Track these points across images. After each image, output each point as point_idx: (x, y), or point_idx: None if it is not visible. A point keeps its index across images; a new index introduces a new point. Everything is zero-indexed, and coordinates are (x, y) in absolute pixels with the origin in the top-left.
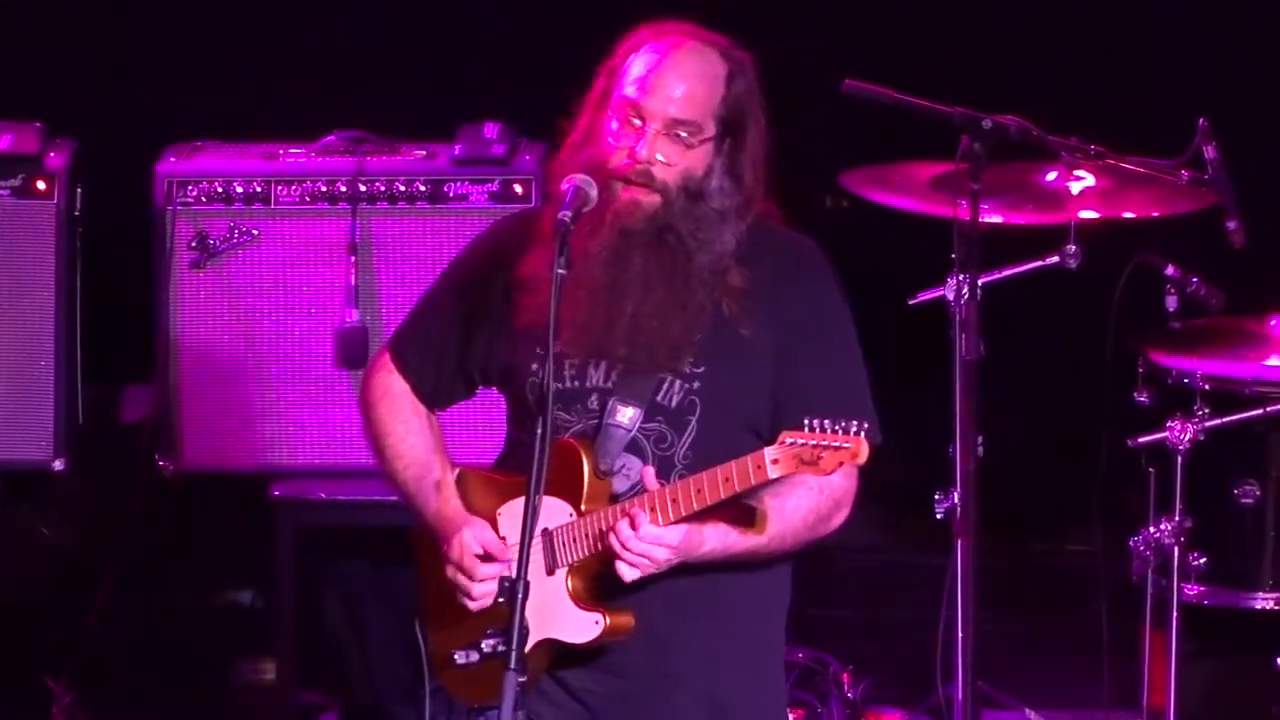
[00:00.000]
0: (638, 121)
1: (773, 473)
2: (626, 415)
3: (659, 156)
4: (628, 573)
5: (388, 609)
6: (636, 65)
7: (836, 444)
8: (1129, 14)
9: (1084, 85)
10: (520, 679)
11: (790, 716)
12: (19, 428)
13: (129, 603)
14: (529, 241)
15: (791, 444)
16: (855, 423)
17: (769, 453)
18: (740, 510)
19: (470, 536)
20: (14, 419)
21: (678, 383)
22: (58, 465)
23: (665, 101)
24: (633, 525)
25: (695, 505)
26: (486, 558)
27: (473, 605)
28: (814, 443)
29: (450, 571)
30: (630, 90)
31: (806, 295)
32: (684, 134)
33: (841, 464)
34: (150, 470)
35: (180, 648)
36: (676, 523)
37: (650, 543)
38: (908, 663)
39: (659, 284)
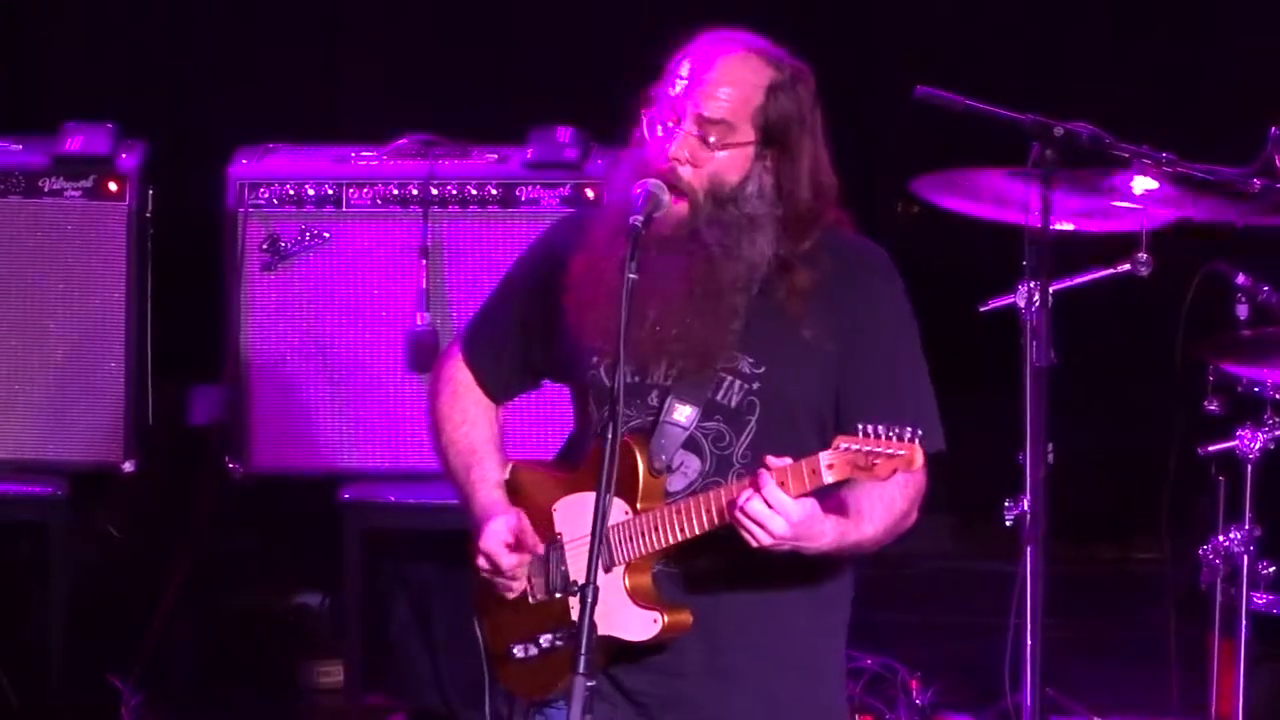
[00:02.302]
0: (673, 123)
1: (828, 478)
2: (684, 414)
3: (685, 155)
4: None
5: (455, 612)
6: (682, 68)
7: (891, 450)
8: (1189, 20)
9: (1147, 90)
10: (589, 683)
11: None
12: (89, 429)
13: (196, 604)
14: (580, 244)
15: (846, 449)
16: (910, 429)
17: (824, 458)
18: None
19: (502, 525)
20: (84, 420)
21: (738, 383)
22: (127, 466)
23: (697, 101)
24: (757, 489)
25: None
26: (517, 547)
27: (508, 595)
28: (869, 449)
29: (480, 561)
30: (671, 90)
31: (870, 299)
32: (713, 137)
33: (896, 470)
34: (219, 472)
35: (247, 649)
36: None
37: (774, 509)
38: (976, 669)
39: (681, 291)
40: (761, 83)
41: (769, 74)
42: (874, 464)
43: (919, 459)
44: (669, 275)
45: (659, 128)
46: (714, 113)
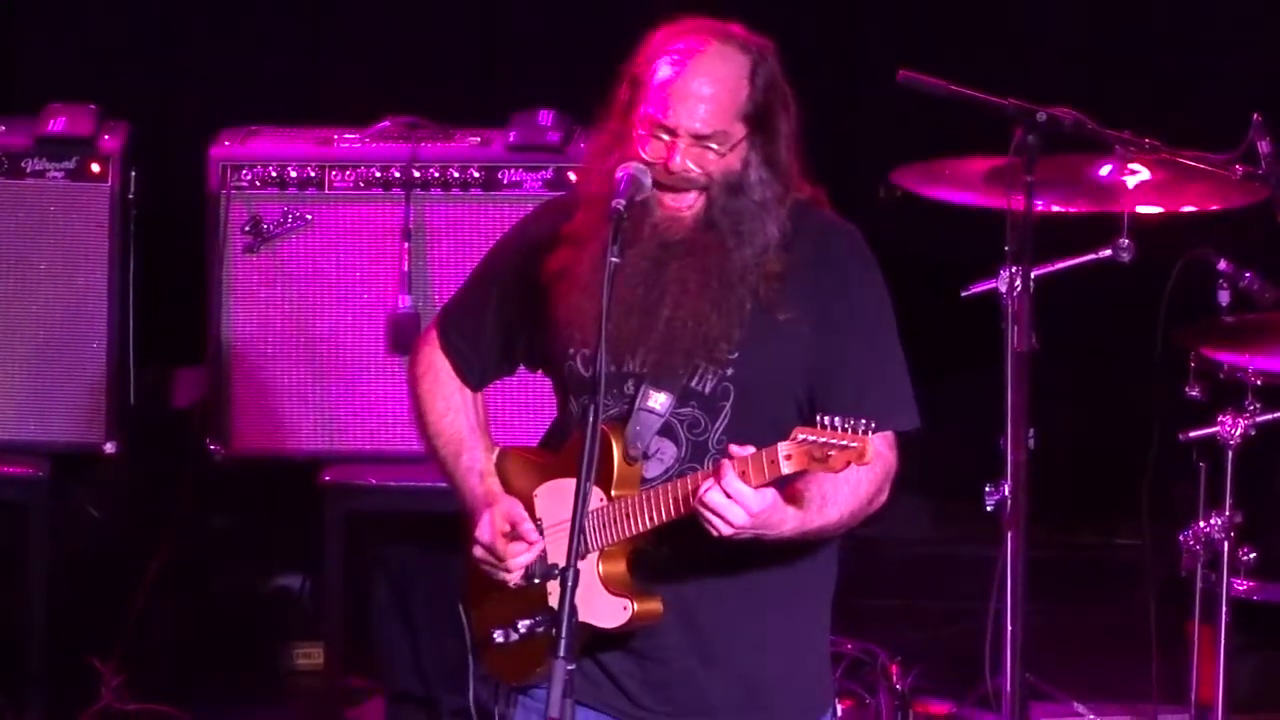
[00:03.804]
0: (666, 137)
1: (785, 468)
2: (659, 401)
3: (691, 165)
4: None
5: (436, 595)
6: (658, 78)
7: (844, 443)
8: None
9: (1130, 78)
10: (569, 667)
11: (837, 704)
12: (71, 410)
13: (178, 586)
14: (561, 234)
15: (803, 440)
16: (864, 422)
17: (782, 449)
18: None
19: (498, 515)
20: (66, 401)
21: (711, 368)
22: (109, 448)
23: (690, 118)
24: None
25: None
26: (514, 536)
27: (508, 579)
28: (824, 440)
29: (478, 551)
30: (654, 107)
31: (845, 280)
32: (713, 144)
33: (849, 463)
34: (201, 454)
35: (228, 631)
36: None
37: (733, 499)
38: (956, 654)
39: (695, 289)
40: (741, 74)
41: (744, 62)
42: (828, 456)
43: (870, 453)
44: (684, 275)
45: (650, 141)
46: (706, 127)
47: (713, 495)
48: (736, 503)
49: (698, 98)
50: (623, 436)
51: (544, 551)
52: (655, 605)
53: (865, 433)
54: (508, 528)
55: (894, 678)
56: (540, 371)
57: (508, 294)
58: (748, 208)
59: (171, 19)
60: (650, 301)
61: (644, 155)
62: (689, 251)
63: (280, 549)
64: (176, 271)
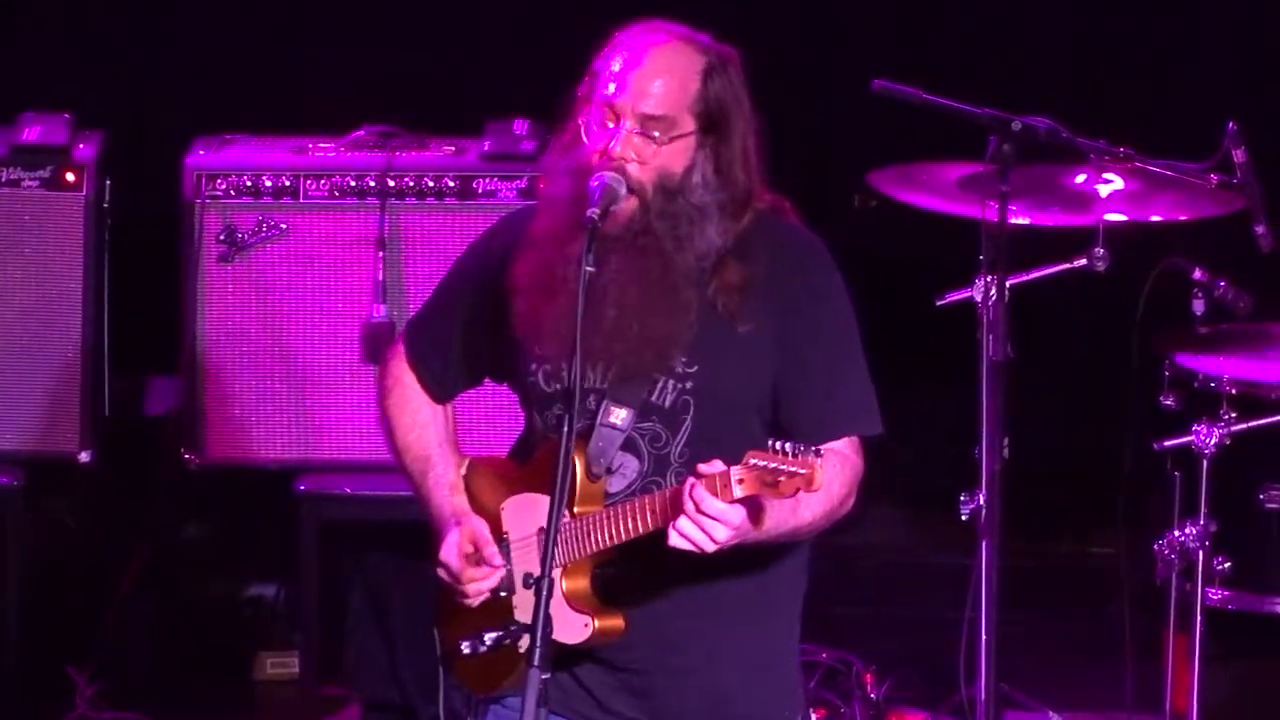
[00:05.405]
0: (611, 123)
1: (738, 492)
2: (620, 416)
3: (632, 154)
4: (677, 541)
5: (411, 604)
6: (613, 65)
7: (793, 469)
8: (1156, 16)
9: (1108, 87)
10: (544, 676)
11: (811, 713)
12: (46, 419)
13: (153, 595)
14: (524, 243)
15: (755, 465)
16: (813, 450)
17: (734, 473)
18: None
19: (462, 537)
20: (41, 410)
21: (671, 382)
22: (84, 457)
23: (637, 99)
24: (695, 503)
25: (673, 518)
26: (476, 556)
27: (467, 602)
28: (774, 465)
29: (440, 572)
30: (605, 90)
31: (807, 290)
32: (656, 132)
33: (798, 489)
34: (175, 463)
35: (203, 641)
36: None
37: (714, 518)
38: (931, 663)
39: (636, 288)
40: (695, 70)
41: (701, 60)
42: (778, 481)
43: (819, 479)
44: (623, 275)
45: (593, 126)
46: (654, 108)
47: (686, 523)
48: (719, 521)
49: (648, 81)
50: (585, 453)
51: (510, 565)
52: (617, 622)
53: (815, 460)
54: (470, 549)
55: (868, 687)
56: (503, 383)
57: (472, 306)
58: (686, 211)
59: (146, 28)
60: (595, 299)
61: (589, 143)
62: (626, 251)
63: (255, 558)
64: (151, 280)
